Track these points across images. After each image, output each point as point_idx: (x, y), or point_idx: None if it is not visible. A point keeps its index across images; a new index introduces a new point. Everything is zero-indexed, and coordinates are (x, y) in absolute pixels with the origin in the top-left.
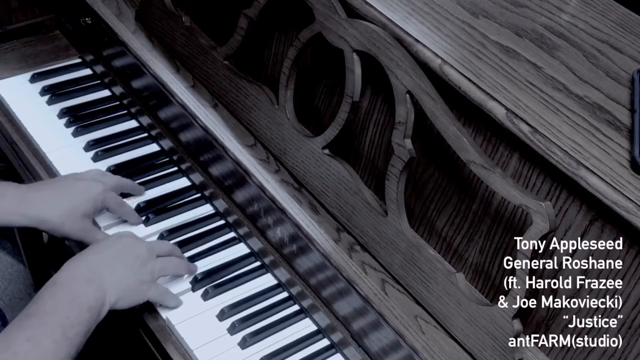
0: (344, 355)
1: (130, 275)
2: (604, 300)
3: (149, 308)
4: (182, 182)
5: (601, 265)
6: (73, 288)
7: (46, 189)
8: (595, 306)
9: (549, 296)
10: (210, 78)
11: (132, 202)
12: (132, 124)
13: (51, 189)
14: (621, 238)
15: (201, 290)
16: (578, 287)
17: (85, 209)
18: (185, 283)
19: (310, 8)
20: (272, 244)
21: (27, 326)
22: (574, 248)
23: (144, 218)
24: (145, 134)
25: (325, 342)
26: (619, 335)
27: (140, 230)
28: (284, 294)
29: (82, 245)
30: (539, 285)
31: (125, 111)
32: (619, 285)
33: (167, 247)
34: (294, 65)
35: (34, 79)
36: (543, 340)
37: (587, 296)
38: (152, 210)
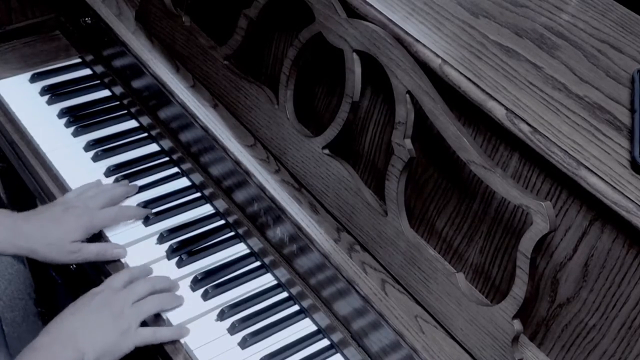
0: (344, 355)
1: (107, 331)
2: (604, 300)
3: None
4: (182, 182)
5: (601, 265)
6: (51, 353)
7: (37, 220)
8: (596, 306)
9: (549, 296)
10: (210, 78)
11: (132, 203)
12: (132, 124)
13: (41, 220)
14: (621, 238)
15: (201, 291)
16: (578, 287)
17: (74, 237)
18: (186, 284)
19: (310, 8)
20: (272, 244)
21: None
22: (574, 248)
23: (143, 218)
24: (145, 134)
25: (325, 342)
26: (619, 335)
27: (140, 231)
28: (284, 294)
29: None
30: (539, 285)
31: (125, 111)
32: (618, 285)
33: (144, 288)
34: (294, 65)
35: (34, 79)
36: (543, 340)
37: (587, 296)
38: (152, 211)
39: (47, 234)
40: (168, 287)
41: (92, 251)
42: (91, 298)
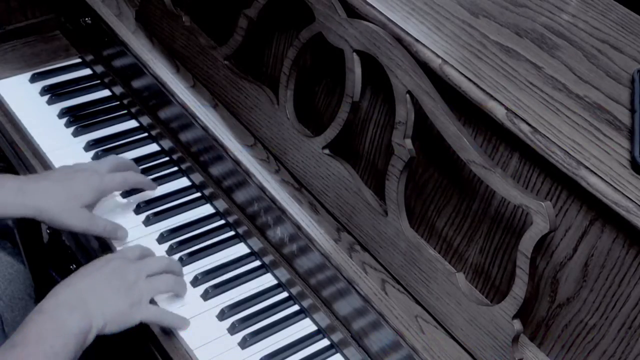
0: (344, 355)
1: (118, 299)
2: (604, 300)
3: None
4: (182, 182)
5: (601, 265)
6: (58, 315)
7: (45, 180)
8: (596, 306)
9: (549, 296)
10: (211, 78)
11: (133, 203)
12: (132, 124)
13: (50, 180)
14: (621, 238)
15: (201, 290)
16: (578, 287)
17: (85, 200)
18: (185, 283)
19: (310, 8)
20: (272, 244)
21: (12, 357)
22: (574, 248)
23: (143, 218)
24: (145, 134)
25: (325, 342)
26: (619, 335)
27: (141, 230)
28: (284, 294)
29: (79, 244)
30: (539, 285)
31: (125, 111)
32: (618, 285)
33: (159, 264)
34: (294, 65)
35: (34, 79)
36: (543, 340)
37: (587, 296)
38: (152, 210)
39: (55, 193)
40: (179, 271)
41: (100, 225)
42: (104, 264)
